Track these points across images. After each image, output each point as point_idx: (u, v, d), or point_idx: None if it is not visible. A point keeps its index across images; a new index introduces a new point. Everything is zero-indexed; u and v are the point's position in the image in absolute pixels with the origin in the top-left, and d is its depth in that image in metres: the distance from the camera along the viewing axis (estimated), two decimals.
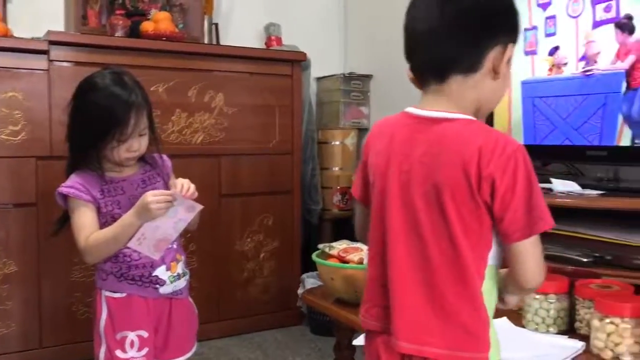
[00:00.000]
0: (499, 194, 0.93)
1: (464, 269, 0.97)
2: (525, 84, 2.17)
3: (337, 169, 3.39)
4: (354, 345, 1.93)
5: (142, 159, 1.64)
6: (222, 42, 3.24)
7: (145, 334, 1.56)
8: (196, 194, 1.55)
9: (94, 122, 1.50)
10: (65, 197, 1.55)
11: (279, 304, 3.11)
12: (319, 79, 3.56)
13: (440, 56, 1.01)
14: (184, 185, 1.51)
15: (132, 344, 1.54)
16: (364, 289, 1.12)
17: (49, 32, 2.55)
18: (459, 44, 0.99)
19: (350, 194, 3.36)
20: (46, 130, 2.55)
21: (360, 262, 1.75)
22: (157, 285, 1.58)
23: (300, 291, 3.03)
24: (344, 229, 3.31)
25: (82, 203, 1.53)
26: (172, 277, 1.61)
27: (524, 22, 2.17)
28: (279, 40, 3.37)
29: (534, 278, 0.99)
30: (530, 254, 0.97)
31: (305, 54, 3.13)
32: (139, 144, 1.54)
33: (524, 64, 2.16)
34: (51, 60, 2.55)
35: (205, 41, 3.13)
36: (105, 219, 1.55)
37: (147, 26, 2.74)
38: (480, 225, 0.96)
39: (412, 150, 1.01)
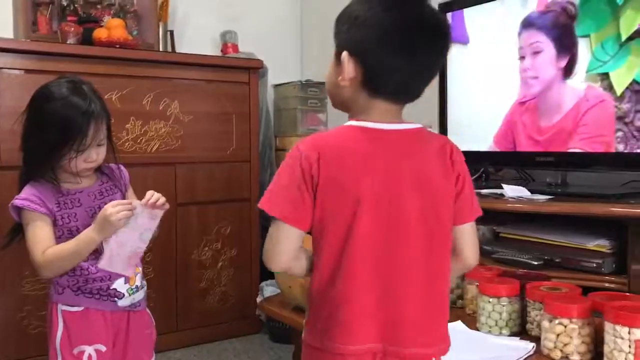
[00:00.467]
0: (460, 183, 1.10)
1: (448, 265, 1.09)
2: None
3: None
4: None
5: (98, 170, 1.61)
6: (177, 50, 3.22)
7: (103, 348, 1.53)
8: (167, 205, 1.55)
9: (51, 132, 1.45)
10: (19, 209, 1.50)
11: (237, 312, 3.09)
12: (276, 86, 3.56)
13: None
14: (154, 195, 1.50)
15: (90, 359, 1.51)
16: (327, 313, 1.05)
17: None
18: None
19: None
20: None
21: None
22: (116, 299, 1.55)
23: (259, 299, 3.02)
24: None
25: (38, 216, 1.48)
26: (131, 290, 1.58)
27: None
28: (235, 48, 3.36)
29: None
30: (475, 233, 1.16)
31: (261, 62, 3.13)
32: (97, 154, 1.51)
33: None
34: (0, 68, 2.49)
35: (161, 48, 3.10)
36: (61, 232, 1.51)
37: (100, 33, 2.69)
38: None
39: (399, 162, 1.05)
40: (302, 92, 3.42)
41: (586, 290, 1.53)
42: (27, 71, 2.54)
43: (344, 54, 1.07)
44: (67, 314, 1.52)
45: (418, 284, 1.04)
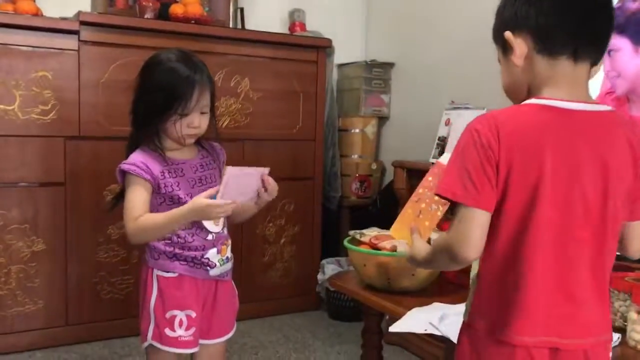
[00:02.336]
0: None
1: (614, 252, 1.07)
2: None
3: (356, 156, 3.41)
4: (382, 330, 1.96)
5: (199, 144, 1.66)
6: (246, 27, 3.25)
7: (193, 314, 1.59)
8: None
9: (158, 96, 1.51)
10: (124, 173, 1.55)
11: (298, 288, 3.15)
12: (340, 65, 3.56)
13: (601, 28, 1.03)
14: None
15: (180, 323, 1.56)
16: (497, 302, 1.05)
17: (79, 13, 2.56)
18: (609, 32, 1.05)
19: (368, 181, 3.38)
20: (75, 111, 2.57)
21: (393, 249, 1.76)
22: (208, 268, 1.60)
23: (320, 276, 3.07)
24: (361, 216, 3.34)
25: (141, 181, 1.53)
26: (222, 260, 1.64)
27: None
28: (302, 26, 3.37)
29: None
30: None
31: (330, 41, 3.13)
32: (199, 121, 1.55)
33: None
34: (81, 41, 2.56)
35: (230, 25, 3.13)
36: (162, 199, 1.56)
37: (176, 9, 2.74)
38: (627, 210, 1.08)
39: (582, 147, 1.01)
40: (367, 73, 3.41)
41: None
42: (107, 44, 2.61)
43: (507, 33, 1.05)
44: (162, 279, 1.58)
45: (589, 273, 1.03)
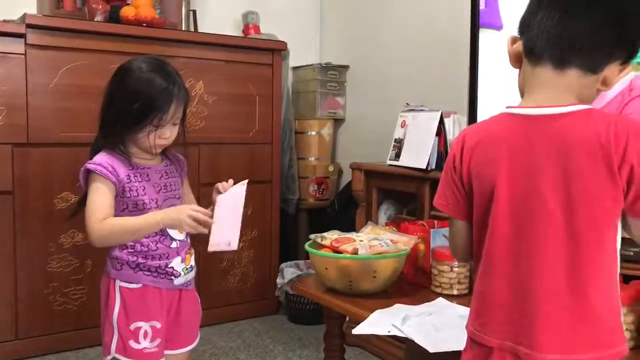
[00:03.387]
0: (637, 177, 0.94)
1: (608, 258, 0.98)
2: None
3: (313, 159, 3.41)
4: (344, 333, 1.96)
5: (163, 153, 1.64)
6: (199, 30, 3.20)
7: (158, 325, 1.56)
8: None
9: (134, 105, 1.47)
10: (88, 173, 1.52)
11: (257, 293, 3.12)
12: (295, 68, 3.56)
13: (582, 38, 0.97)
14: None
15: (145, 335, 1.53)
16: (474, 303, 1.08)
17: (25, 15, 2.47)
18: (598, 40, 0.98)
19: (326, 184, 3.39)
20: (23, 117, 2.49)
21: (355, 252, 1.77)
22: (172, 277, 1.57)
23: (279, 280, 3.05)
24: (319, 219, 3.35)
25: (106, 182, 1.49)
26: (186, 269, 1.61)
27: None
28: (256, 29, 3.35)
29: None
30: None
31: (285, 43, 3.13)
32: (170, 132, 1.54)
33: None
34: (28, 44, 2.48)
35: (183, 28, 3.08)
36: (125, 205, 1.53)
37: (127, 11, 2.68)
38: (618, 210, 0.97)
39: (542, 153, 0.98)
40: (322, 75, 3.42)
41: (626, 279, 1.55)
42: (55, 48, 2.53)
43: (507, 38, 1.06)
44: (125, 290, 1.54)
45: (557, 283, 0.97)
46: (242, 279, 3.08)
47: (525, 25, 1.02)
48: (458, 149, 1.07)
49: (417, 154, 2.47)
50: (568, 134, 0.96)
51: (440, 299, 1.71)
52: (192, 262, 1.65)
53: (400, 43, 3.10)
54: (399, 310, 1.58)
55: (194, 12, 3.19)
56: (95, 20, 2.66)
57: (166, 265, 1.56)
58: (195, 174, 2.89)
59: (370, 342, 2.64)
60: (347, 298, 1.75)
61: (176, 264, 1.58)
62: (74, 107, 2.57)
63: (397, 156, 2.56)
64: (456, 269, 1.76)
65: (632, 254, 1.75)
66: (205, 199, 2.91)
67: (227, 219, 1.51)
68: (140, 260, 1.53)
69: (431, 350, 1.32)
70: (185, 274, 1.61)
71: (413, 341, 1.39)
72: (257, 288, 3.12)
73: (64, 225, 2.57)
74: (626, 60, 1.00)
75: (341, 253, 1.81)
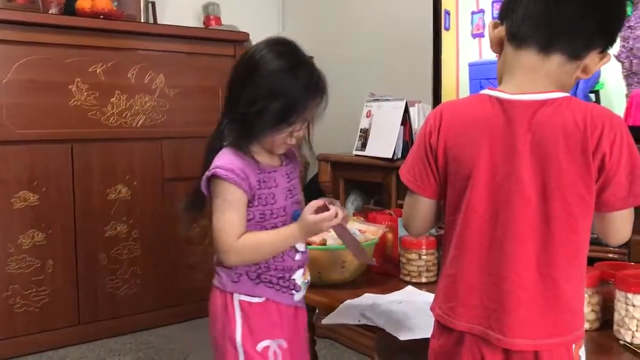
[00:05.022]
0: (607, 164, 0.95)
1: (578, 245, 0.99)
2: (472, 66, 2.24)
3: None
4: (313, 325, 1.94)
5: None
6: (159, 22, 3.13)
7: (284, 344, 1.34)
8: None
9: (281, 103, 1.25)
10: (214, 179, 1.26)
11: None
12: None
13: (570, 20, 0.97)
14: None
15: (275, 356, 1.32)
16: (444, 287, 1.06)
17: None
18: (581, 28, 0.97)
19: None
20: None
21: (323, 243, 1.75)
22: (293, 291, 1.36)
23: None
24: None
25: (239, 193, 1.24)
26: (304, 283, 1.40)
27: (471, 6, 2.23)
28: (217, 20, 3.30)
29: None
30: (628, 219, 1.02)
31: (247, 34, 3.08)
32: (304, 130, 1.35)
33: (471, 47, 2.23)
34: None
35: (142, 20, 3.01)
36: (252, 215, 1.28)
37: (83, 3, 2.60)
38: (592, 199, 0.97)
39: (521, 138, 0.97)
40: None
41: (590, 261, 1.57)
42: (7, 42, 2.45)
43: (489, 22, 1.05)
44: (246, 304, 1.30)
45: (529, 269, 0.97)
46: (210, 274, 3.02)
47: (509, 10, 1.01)
48: (435, 126, 1.04)
49: (383, 144, 2.46)
50: (547, 121, 0.96)
51: (410, 287, 1.71)
52: (309, 277, 1.43)
53: (364, 33, 3.08)
54: (368, 299, 1.58)
55: (153, 3, 3.12)
56: (50, 12, 2.58)
57: (289, 277, 1.35)
58: (158, 170, 2.84)
59: (340, 333, 2.63)
60: (317, 289, 1.73)
61: (298, 276, 1.36)
62: (29, 103, 2.50)
63: (364, 146, 2.56)
64: (424, 257, 1.76)
65: (596, 236, 1.78)
66: (170, 195, 2.89)
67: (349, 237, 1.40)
68: (262, 270, 1.31)
69: (402, 338, 1.31)
70: (303, 289, 1.40)
71: (384, 330, 1.38)
72: None
73: (23, 226, 2.50)
74: (605, 48, 1.01)
75: (309, 244, 1.79)
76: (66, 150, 2.60)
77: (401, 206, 2.17)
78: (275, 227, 1.31)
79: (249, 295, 1.31)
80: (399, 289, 1.70)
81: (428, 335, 1.14)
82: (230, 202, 1.25)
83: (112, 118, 2.69)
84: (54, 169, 2.57)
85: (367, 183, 2.62)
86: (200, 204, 1.34)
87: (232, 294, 1.31)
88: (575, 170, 0.95)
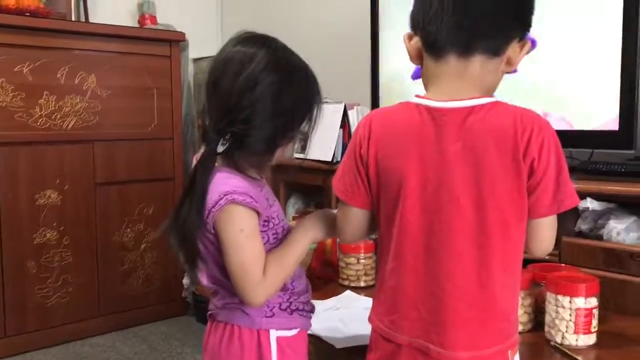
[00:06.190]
0: (536, 170, 0.93)
1: (514, 253, 0.97)
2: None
3: None
4: None
5: None
6: (91, 20, 3.02)
7: None
8: None
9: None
10: (226, 206, 1.04)
11: (162, 295, 3.00)
12: (196, 60, 3.44)
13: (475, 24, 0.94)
14: None
15: None
16: (384, 299, 1.03)
17: None
18: (498, 22, 0.95)
19: None
20: None
21: None
22: (311, 314, 1.22)
23: (185, 281, 2.95)
24: None
25: (253, 216, 1.06)
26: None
27: (409, 6, 2.25)
28: (153, 19, 3.21)
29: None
30: (552, 227, 0.99)
31: (183, 34, 3.01)
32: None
33: None
34: None
35: (73, 18, 2.90)
36: (265, 238, 1.11)
37: (7, 0, 2.47)
38: (525, 203, 0.95)
39: (450, 145, 0.94)
40: None
41: (524, 262, 1.60)
42: None
43: (404, 35, 1.00)
44: (283, 340, 1.14)
45: (466, 279, 0.95)
46: (146, 281, 2.95)
47: (419, 20, 0.98)
48: (365, 136, 1.01)
49: (323, 147, 2.45)
50: (477, 128, 0.94)
51: (348, 292, 1.69)
52: None
53: (303, 34, 3.06)
54: None
55: (85, 1, 3.01)
56: None
57: (309, 300, 1.21)
58: (90, 173, 2.74)
59: None
60: None
61: (310, 296, 1.23)
62: None
63: (303, 149, 2.54)
64: (363, 261, 1.75)
65: None
66: (103, 200, 2.78)
67: None
68: (293, 298, 1.16)
69: (338, 346, 1.30)
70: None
71: (320, 337, 1.36)
72: (162, 290, 3.00)
73: None
74: (523, 36, 0.99)
75: None
76: None
77: None
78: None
79: (286, 329, 1.15)
80: (337, 293, 1.69)
81: (365, 342, 1.13)
82: (250, 229, 1.07)
83: (40, 120, 2.57)
84: None
85: (308, 186, 2.61)
86: (196, 251, 1.09)
87: (267, 330, 1.13)
88: (509, 176, 0.93)
